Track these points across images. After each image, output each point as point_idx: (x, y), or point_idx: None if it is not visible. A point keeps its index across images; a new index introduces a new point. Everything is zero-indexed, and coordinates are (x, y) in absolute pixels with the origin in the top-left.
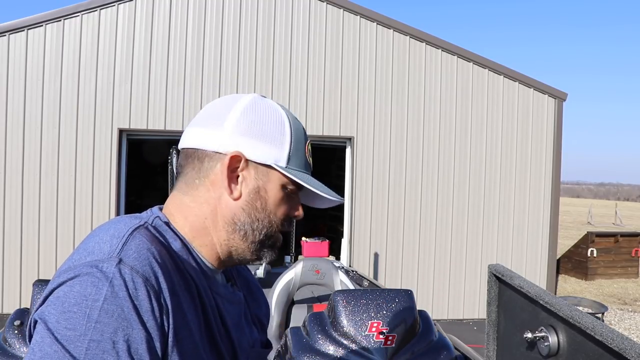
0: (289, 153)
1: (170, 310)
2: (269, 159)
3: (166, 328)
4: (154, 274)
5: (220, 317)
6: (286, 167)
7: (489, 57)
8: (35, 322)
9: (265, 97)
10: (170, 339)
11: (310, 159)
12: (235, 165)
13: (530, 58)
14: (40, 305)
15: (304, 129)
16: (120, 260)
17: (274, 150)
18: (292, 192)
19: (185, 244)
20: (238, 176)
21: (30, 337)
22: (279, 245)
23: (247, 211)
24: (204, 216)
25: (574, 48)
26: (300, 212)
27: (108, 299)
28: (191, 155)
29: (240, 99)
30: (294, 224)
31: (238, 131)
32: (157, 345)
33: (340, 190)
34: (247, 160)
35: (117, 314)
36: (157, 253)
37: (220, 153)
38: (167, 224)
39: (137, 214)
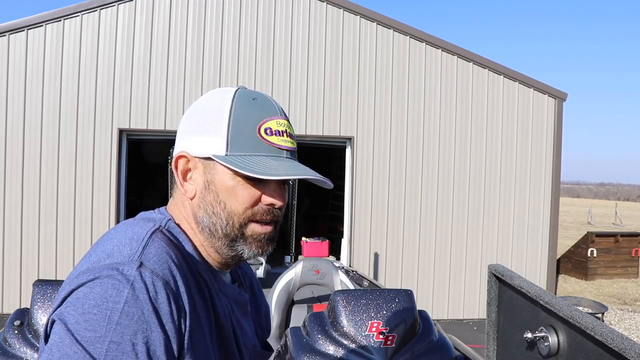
0: (228, 139)
1: (187, 313)
2: (208, 151)
3: (183, 330)
4: (173, 277)
5: (229, 318)
6: (226, 155)
7: (488, 55)
8: (53, 322)
9: (240, 87)
10: (185, 341)
11: (276, 138)
12: (185, 165)
13: (531, 56)
14: (59, 306)
15: (264, 106)
16: (141, 264)
17: (212, 140)
18: (251, 179)
19: (196, 247)
20: (191, 176)
21: (47, 337)
22: (261, 238)
23: (203, 208)
24: (185, 219)
25: (575, 46)
26: (272, 200)
27: (129, 302)
28: None
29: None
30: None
31: (183, 130)
32: (174, 347)
33: (340, 191)
34: (194, 158)
35: (138, 316)
36: (174, 257)
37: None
38: (178, 226)
39: (149, 216)
